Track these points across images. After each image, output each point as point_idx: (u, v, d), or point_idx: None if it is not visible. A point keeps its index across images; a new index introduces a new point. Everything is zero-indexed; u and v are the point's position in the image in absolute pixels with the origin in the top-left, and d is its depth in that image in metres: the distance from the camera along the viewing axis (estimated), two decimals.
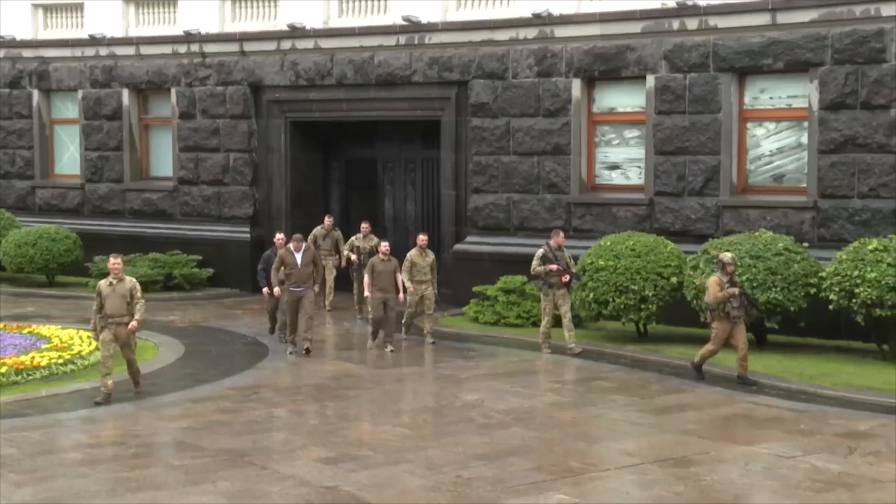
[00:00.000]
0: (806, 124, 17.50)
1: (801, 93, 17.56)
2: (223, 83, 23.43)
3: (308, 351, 16.47)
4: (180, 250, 23.41)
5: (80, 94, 25.30)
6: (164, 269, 22.83)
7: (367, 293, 17.47)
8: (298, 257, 16.75)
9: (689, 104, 18.37)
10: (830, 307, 15.68)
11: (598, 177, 19.74)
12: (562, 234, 16.68)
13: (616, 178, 19.59)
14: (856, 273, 15.21)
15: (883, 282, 14.94)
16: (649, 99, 18.75)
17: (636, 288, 16.58)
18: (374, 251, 18.33)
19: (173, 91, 24.06)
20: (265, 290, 17.64)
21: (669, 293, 16.73)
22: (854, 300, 15.24)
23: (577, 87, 19.47)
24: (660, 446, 11.95)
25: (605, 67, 19.19)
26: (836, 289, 15.44)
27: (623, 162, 19.51)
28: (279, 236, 18.05)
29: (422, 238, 17.71)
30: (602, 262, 16.95)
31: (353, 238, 19.84)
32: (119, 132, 24.87)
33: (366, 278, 17.29)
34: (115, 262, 14.05)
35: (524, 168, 20.08)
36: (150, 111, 25.03)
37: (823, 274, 15.77)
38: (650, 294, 16.59)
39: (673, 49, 18.44)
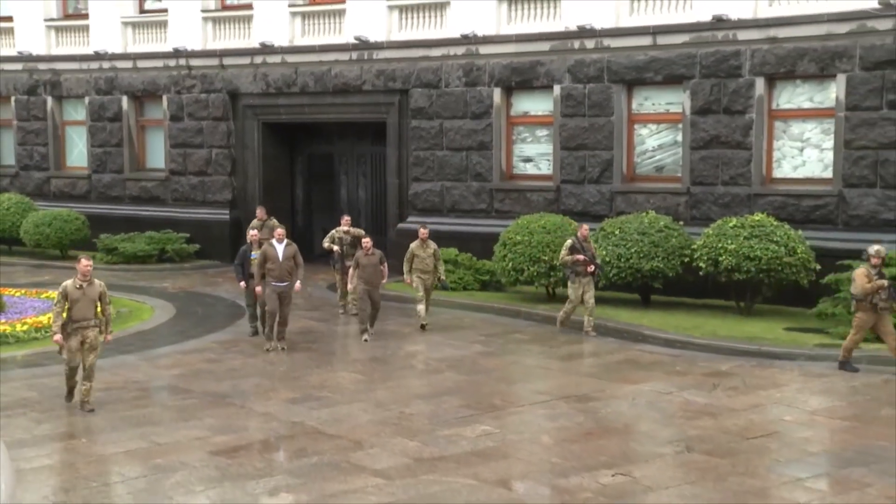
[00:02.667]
0: (680, 126, 17.62)
1: (676, 100, 17.69)
2: (206, 91, 23.08)
3: (284, 349, 13.85)
4: (171, 229, 23.09)
5: (86, 100, 24.77)
6: (158, 244, 22.56)
7: (350, 285, 15.17)
8: (280, 251, 13.94)
9: (588, 109, 18.42)
10: (700, 273, 15.86)
11: (515, 168, 19.74)
12: (586, 227, 15.19)
13: (530, 169, 19.61)
14: (720, 245, 15.40)
15: (741, 252, 15.15)
16: (556, 104, 18.77)
17: (546, 258, 16.64)
18: (355, 242, 16.07)
19: (164, 98, 23.65)
20: (242, 284, 14.86)
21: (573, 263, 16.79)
22: (718, 267, 15.43)
23: (497, 94, 19.43)
24: (565, 386, 12.03)
25: (521, 79, 19.17)
26: (705, 258, 15.62)
27: (535, 156, 19.53)
28: (252, 232, 15.32)
29: (423, 231, 15.51)
30: (519, 237, 16.97)
31: (333, 231, 17.01)
32: (119, 132, 24.42)
33: (350, 271, 15.02)
34: (86, 263, 10.72)
35: (455, 161, 20.02)
36: (145, 114, 24.56)
37: (695, 246, 15.93)
38: (558, 263, 16.65)
39: (574, 64, 18.46)
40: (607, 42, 18.10)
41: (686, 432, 10.10)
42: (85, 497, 8.41)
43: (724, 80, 16.95)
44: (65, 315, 10.76)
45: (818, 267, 15.19)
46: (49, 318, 14.12)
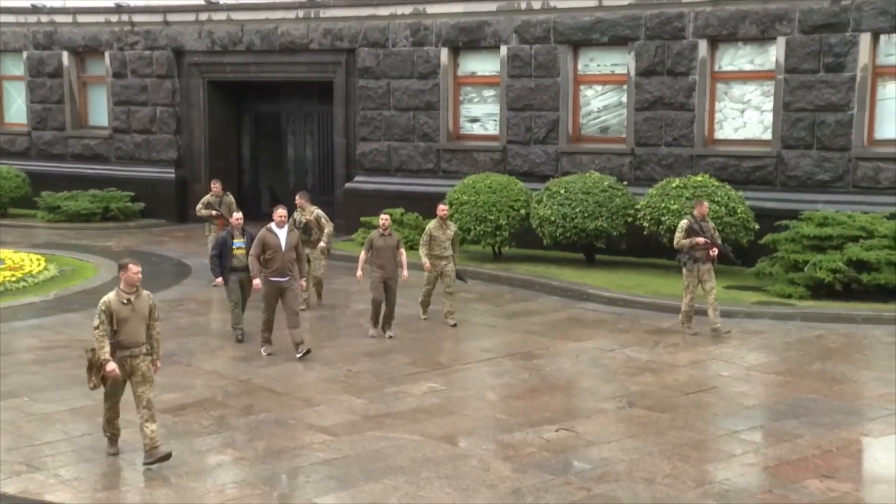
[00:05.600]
0: (625, 87, 17.69)
1: (621, 62, 17.74)
2: (150, 48, 22.57)
3: (308, 351, 11.23)
4: (116, 188, 22.66)
5: (24, 54, 24.04)
6: (102, 203, 22.15)
7: (359, 273, 12.40)
8: (283, 237, 11.22)
9: (535, 70, 18.39)
10: (644, 232, 16.03)
11: (462, 128, 19.69)
12: (705, 203, 12.73)
13: (476, 129, 19.56)
14: (662, 205, 15.55)
15: (683, 212, 15.31)
16: (503, 65, 18.71)
17: (492, 218, 16.68)
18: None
19: (107, 54, 23.07)
20: (218, 280, 12.32)
21: (519, 222, 16.88)
22: (661, 226, 15.60)
23: (444, 55, 19.30)
24: (510, 344, 12.13)
25: (468, 39, 19.05)
26: (648, 218, 15.77)
27: (482, 116, 19.48)
28: (237, 216, 12.43)
29: (442, 208, 13.05)
30: (465, 197, 16.97)
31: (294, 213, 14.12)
32: (60, 88, 23.78)
33: (362, 255, 12.41)
34: (136, 269, 8.03)
35: (402, 121, 19.90)
36: (86, 70, 23.94)
37: (638, 206, 16.07)
38: (504, 223, 16.72)
39: (521, 25, 18.39)
40: (554, 3, 18.05)
41: (628, 388, 10.27)
42: (27, 455, 8.31)
43: (668, 42, 17.03)
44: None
45: (757, 227, 15.45)
46: None
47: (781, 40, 16.13)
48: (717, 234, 12.76)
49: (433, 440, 8.70)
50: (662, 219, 15.48)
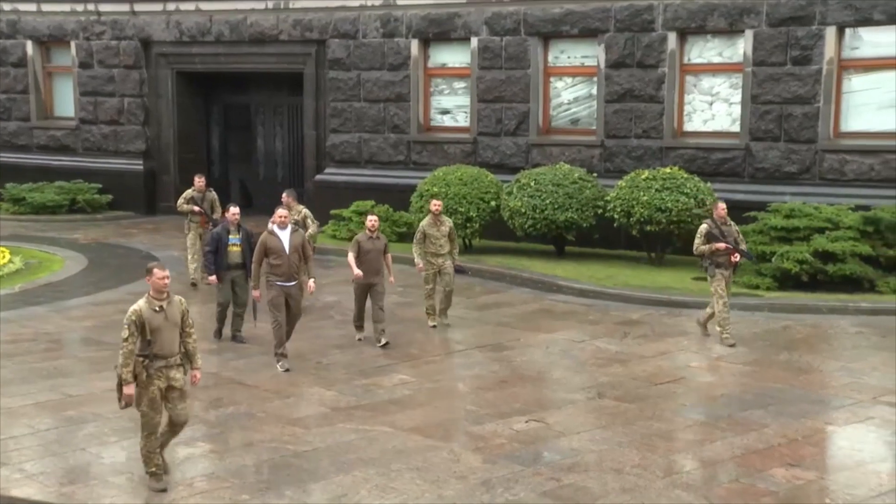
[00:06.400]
0: (595, 79, 17.74)
1: (591, 54, 17.79)
2: (116, 38, 22.34)
3: (287, 370, 10.50)
4: (83, 179, 22.40)
5: None
6: (69, 195, 21.90)
7: (356, 272, 11.37)
8: (285, 239, 10.52)
9: (505, 62, 18.40)
10: (614, 224, 16.10)
11: (433, 120, 19.66)
12: (722, 205, 11.84)
13: (447, 121, 19.55)
14: (632, 197, 15.63)
15: (652, 203, 15.42)
16: (473, 57, 18.70)
17: (463, 210, 16.69)
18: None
19: (73, 44, 22.80)
20: (212, 279, 11.54)
21: (489, 214, 16.89)
22: (631, 218, 15.68)
23: (415, 46, 19.25)
24: (481, 335, 12.15)
25: (438, 30, 19.02)
26: (618, 209, 15.84)
27: (453, 108, 19.46)
28: (233, 210, 11.66)
29: (435, 203, 12.32)
30: (435, 189, 16.95)
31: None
32: (25, 78, 23.46)
33: (350, 257, 11.51)
34: (162, 274, 7.47)
35: (372, 112, 19.84)
36: (52, 60, 23.64)
37: (608, 198, 16.14)
38: (474, 215, 16.72)
39: (492, 17, 18.38)
40: None
41: (597, 379, 10.33)
42: None
43: (638, 35, 17.10)
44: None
45: None
46: None
47: (749, 33, 16.25)
48: (741, 237, 11.87)
49: (404, 432, 8.71)
50: (632, 211, 15.55)
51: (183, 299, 7.63)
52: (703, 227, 11.66)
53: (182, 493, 7.45)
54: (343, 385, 10.04)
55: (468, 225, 16.77)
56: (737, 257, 11.60)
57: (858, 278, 13.82)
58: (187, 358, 7.59)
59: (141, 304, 7.39)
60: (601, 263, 16.10)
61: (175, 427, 7.62)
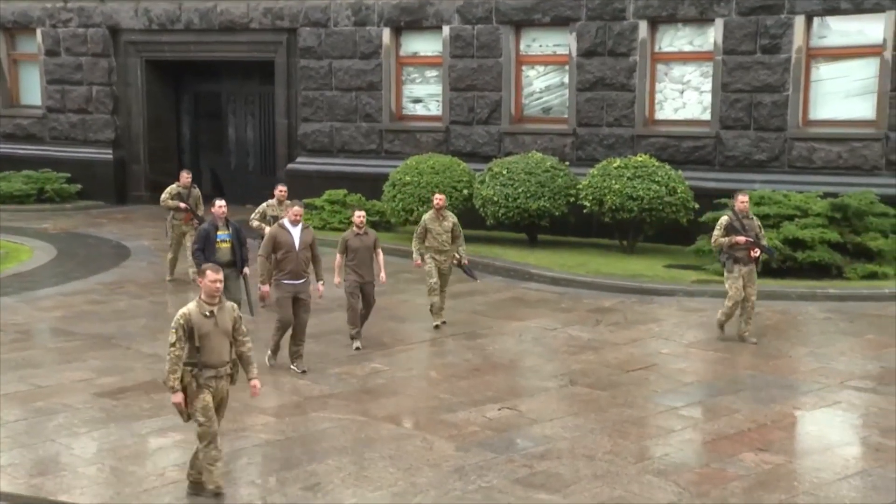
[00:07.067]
0: (567, 68, 17.78)
1: (563, 42, 17.81)
2: (84, 25, 22.08)
3: (305, 372, 10.05)
4: (51, 168, 22.15)
5: None
6: (37, 184, 21.64)
7: (337, 279, 10.80)
8: (296, 235, 10.05)
9: (477, 50, 18.39)
10: (585, 212, 16.17)
11: (405, 109, 19.62)
12: (744, 197, 11.20)
13: (419, 109, 19.52)
14: (604, 185, 15.70)
15: (624, 192, 15.49)
16: (445, 45, 18.67)
17: None
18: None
19: (39, 31, 22.52)
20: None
21: (462, 202, 16.90)
22: (603, 206, 15.75)
23: (387, 35, 19.19)
24: (453, 324, 12.15)
25: (410, 19, 18.96)
26: (590, 198, 15.91)
27: (425, 97, 19.43)
28: (219, 204, 11.23)
29: (438, 197, 11.69)
30: (408, 178, 16.94)
31: (264, 205, 13.05)
32: None
33: (337, 259, 10.86)
34: (216, 277, 6.95)
35: (344, 101, 19.77)
36: (17, 48, 23.33)
37: (580, 186, 16.20)
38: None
39: (463, 5, 18.35)
40: None
41: (569, 366, 10.38)
42: None
43: (609, 23, 17.14)
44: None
45: (697, 206, 15.68)
46: None
47: (719, 22, 16.34)
48: (762, 231, 11.36)
49: (376, 420, 8.71)
50: (604, 199, 15.62)
51: (235, 306, 7.16)
52: (724, 220, 11.15)
53: (154, 482, 7.41)
54: (316, 374, 10.02)
55: None
56: (757, 252, 11.07)
57: (827, 265, 13.97)
58: (239, 367, 7.13)
59: (191, 307, 6.92)
60: (573, 251, 16.15)
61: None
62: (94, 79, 22.21)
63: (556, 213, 16.24)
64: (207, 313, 6.87)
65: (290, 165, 20.40)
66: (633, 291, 13.74)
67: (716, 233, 11.21)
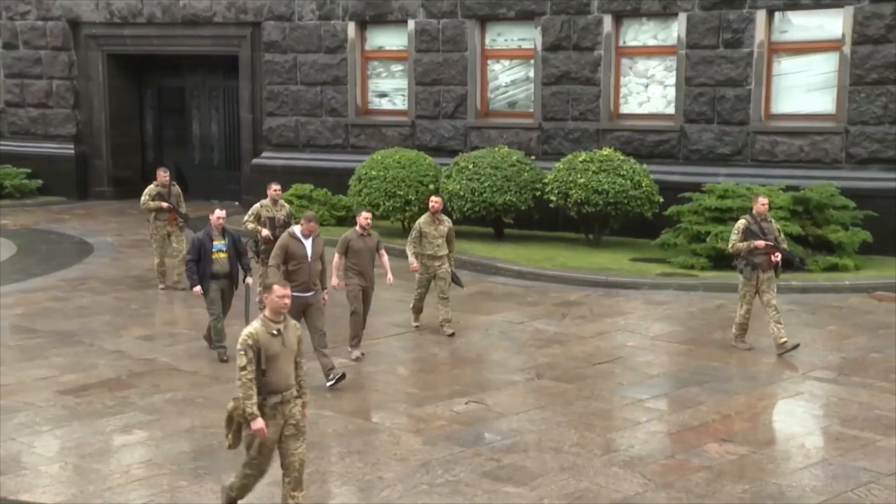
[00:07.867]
0: (532, 62, 17.81)
1: (528, 36, 17.84)
2: (43, 18, 21.78)
3: (343, 376, 9.53)
4: (10, 164, 21.87)
5: None
6: None
7: (335, 281, 10.44)
8: (308, 247, 9.69)
9: (442, 44, 18.37)
10: (551, 206, 16.22)
11: (371, 103, 19.56)
12: (763, 199, 10.65)
13: (385, 104, 19.46)
14: (570, 179, 15.76)
15: (590, 185, 15.56)
16: (411, 39, 18.63)
17: (402, 193, 16.65)
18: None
19: None
20: (196, 290, 10.34)
21: (428, 197, 16.82)
22: (569, 200, 15.81)
23: (352, 29, 19.12)
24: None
25: (375, 13, 18.90)
26: (556, 192, 15.96)
27: (390, 91, 19.39)
28: (218, 214, 10.46)
29: (435, 200, 11.40)
30: (374, 173, 16.90)
31: (257, 206, 12.21)
32: None
33: (336, 260, 10.43)
34: (283, 292, 6.36)
35: (309, 96, 19.67)
36: None
37: (546, 180, 16.25)
38: (413, 198, 16.70)
39: None
40: None
41: (536, 360, 10.42)
42: None
43: (574, 17, 17.20)
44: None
45: (661, 199, 15.79)
46: None
47: (683, 16, 16.46)
48: (781, 235, 10.79)
49: (344, 415, 8.69)
50: (570, 192, 15.68)
51: (297, 324, 6.61)
52: (741, 223, 10.54)
53: (118, 480, 7.35)
54: None
55: (407, 208, 16.75)
56: (777, 257, 10.42)
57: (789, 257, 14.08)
58: (307, 392, 6.61)
59: (256, 326, 6.30)
60: (540, 245, 16.20)
61: (290, 471, 6.39)
62: (53, 73, 21.92)
63: (523, 208, 16.28)
64: (275, 332, 6.28)
65: (255, 160, 20.28)
66: (598, 285, 13.81)
67: (733, 237, 10.58)
